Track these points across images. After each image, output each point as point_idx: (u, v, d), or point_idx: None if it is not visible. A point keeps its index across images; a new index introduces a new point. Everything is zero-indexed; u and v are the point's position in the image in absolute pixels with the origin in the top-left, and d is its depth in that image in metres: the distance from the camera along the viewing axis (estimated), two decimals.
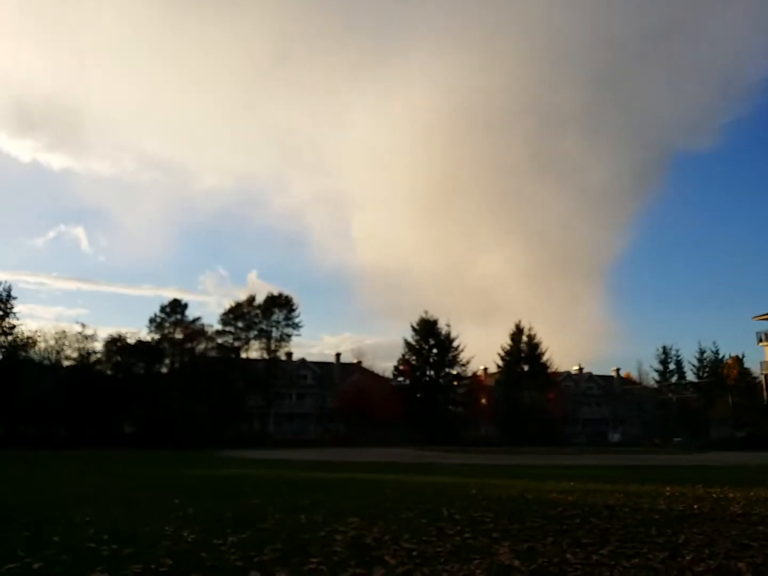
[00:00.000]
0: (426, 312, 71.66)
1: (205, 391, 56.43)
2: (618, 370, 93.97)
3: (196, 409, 55.23)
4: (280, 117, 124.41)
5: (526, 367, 71.91)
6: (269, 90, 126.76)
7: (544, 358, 72.18)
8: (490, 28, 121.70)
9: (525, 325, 72.94)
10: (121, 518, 7.36)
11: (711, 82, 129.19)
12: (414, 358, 70.78)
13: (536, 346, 72.25)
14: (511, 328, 73.18)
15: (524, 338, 72.66)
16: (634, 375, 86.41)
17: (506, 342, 73.06)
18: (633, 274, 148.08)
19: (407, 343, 70.93)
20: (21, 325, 57.45)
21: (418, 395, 68.46)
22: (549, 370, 72.72)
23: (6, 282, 57.86)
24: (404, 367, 71.17)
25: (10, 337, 56.06)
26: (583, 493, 10.22)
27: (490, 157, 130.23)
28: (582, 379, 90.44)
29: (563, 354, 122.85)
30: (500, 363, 73.16)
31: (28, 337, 56.79)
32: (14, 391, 50.54)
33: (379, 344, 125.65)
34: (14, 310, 56.67)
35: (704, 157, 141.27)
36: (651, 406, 74.01)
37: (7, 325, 56.23)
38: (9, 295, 56.56)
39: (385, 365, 77.35)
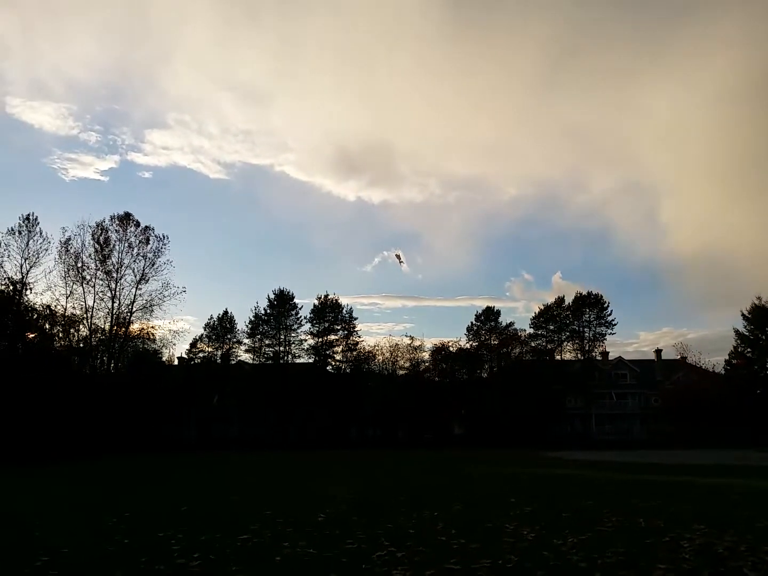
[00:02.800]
0: (759, 298, 62.15)
1: (523, 394, 57.60)
2: None
3: (516, 411, 56.67)
4: (573, 115, 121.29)
5: None
6: (561, 90, 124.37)
7: None
8: None
9: None
10: (463, 514, 8.05)
11: None
12: (749, 350, 61.91)
13: None
14: None
15: None
16: None
17: None
18: None
19: (739, 334, 62.39)
20: (362, 341, 66.76)
21: (759, 391, 59.51)
22: None
23: (348, 305, 67.39)
24: (738, 360, 62.65)
25: (354, 353, 65.24)
26: None
27: None
28: None
29: None
30: None
31: (369, 352, 65.65)
32: (361, 400, 58.40)
33: (704, 337, 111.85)
34: (356, 329, 66.10)
35: None
36: None
37: (351, 343, 65.55)
38: (351, 317, 66.06)
39: (713, 359, 69.03)
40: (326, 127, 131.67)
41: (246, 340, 64.53)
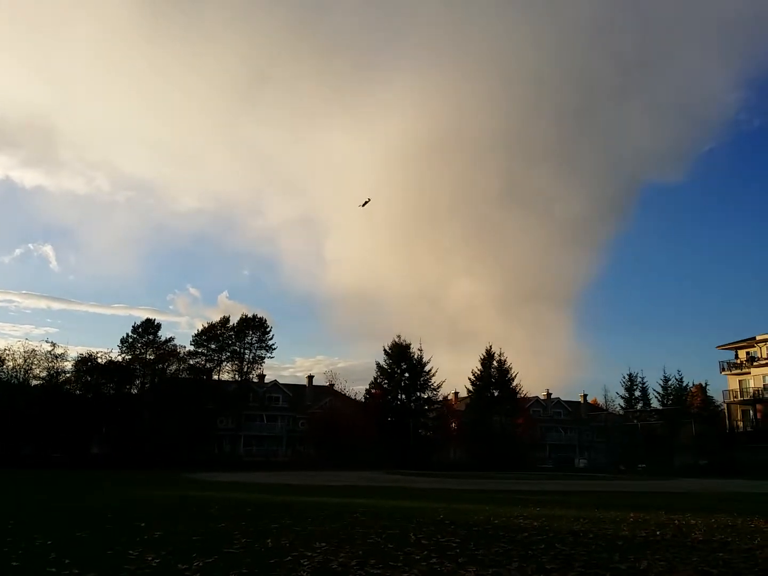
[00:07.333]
0: (399, 336, 71.63)
1: (175, 413, 55.54)
2: (585, 396, 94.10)
3: (166, 430, 54.38)
4: (258, 140, 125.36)
5: (495, 392, 71.54)
6: (249, 113, 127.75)
7: (514, 383, 71.83)
8: (468, 62, 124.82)
9: (495, 350, 72.84)
10: (85, 542, 7.27)
11: (680, 116, 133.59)
12: (386, 381, 70.50)
13: (506, 371, 71.96)
14: (482, 353, 73.03)
15: (494, 363, 72.34)
16: (601, 401, 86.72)
17: (477, 367, 72.78)
18: (602, 302, 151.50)
19: (379, 367, 70.72)
20: None
21: (390, 419, 68.14)
22: (518, 396, 72.42)
23: None
24: (376, 390, 70.79)
25: None
26: (549, 519, 10.32)
27: (466, 188, 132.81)
28: (550, 404, 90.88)
29: (533, 380, 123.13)
30: (471, 388, 73.00)
31: None
32: None
33: (351, 367, 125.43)
34: None
35: (673, 189, 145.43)
36: (616, 433, 73.90)
37: None
38: None
39: (357, 388, 77.25)
40: None
41: None
